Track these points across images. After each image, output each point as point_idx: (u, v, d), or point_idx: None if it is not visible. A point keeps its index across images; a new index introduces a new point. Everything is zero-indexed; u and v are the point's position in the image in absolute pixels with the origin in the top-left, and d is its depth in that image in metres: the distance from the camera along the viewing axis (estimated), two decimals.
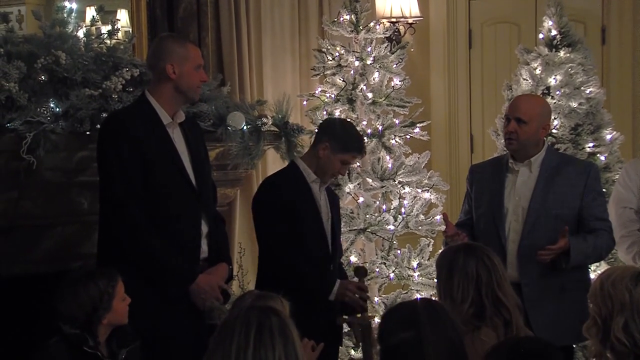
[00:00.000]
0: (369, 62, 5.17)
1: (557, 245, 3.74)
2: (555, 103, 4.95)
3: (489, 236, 3.91)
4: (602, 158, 4.96)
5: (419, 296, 5.11)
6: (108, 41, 4.29)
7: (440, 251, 3.78)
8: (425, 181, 5.21)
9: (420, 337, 2.31)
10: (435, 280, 3.34)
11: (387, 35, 5.60)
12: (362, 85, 5.17)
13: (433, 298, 5.10)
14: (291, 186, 3.90)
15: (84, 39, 4.20)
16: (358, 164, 5.10)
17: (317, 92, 5.31)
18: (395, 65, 5.23)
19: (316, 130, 4.18)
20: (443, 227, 5.00)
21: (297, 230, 3.83)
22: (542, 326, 3.69)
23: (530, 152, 3.94)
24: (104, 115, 3.94)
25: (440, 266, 3.16)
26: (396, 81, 5.25)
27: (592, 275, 4.82)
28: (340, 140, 3.91)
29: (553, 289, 3.84)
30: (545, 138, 4.06)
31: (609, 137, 5.04)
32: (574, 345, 4.71)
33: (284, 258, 3.82)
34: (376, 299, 5.13)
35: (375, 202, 5.12)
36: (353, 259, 5.05)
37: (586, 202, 3.89)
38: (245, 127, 4.40)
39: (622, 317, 2.85)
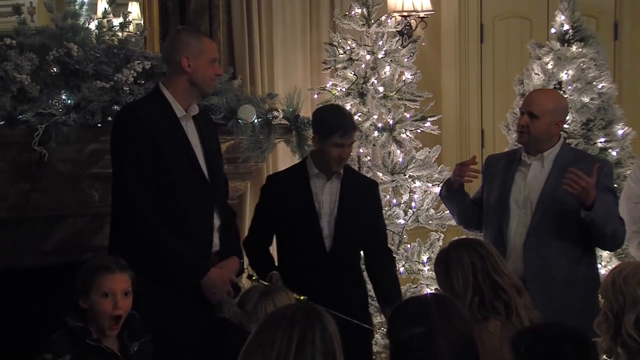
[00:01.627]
0: (380, 56, 5.16)
1: (581, 173, 3.67)
2: (567, 98, 4.94)
3: (495, 228, 3.93)
4: (614, 153, 4.94)
5: (428, 290, 5.11)
6: (120, 34, 4.31)
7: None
8: (436, 175, 5.20)
9: (431, 332, 2.30)
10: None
11: (398, 29, 5.57)
12: (373, 79, 5.15)
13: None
14: (288, 180, 3.97)
15: (96, 31, 4.22)
16: (369, 157, 5.10)
17: (328, 85, 5.30)
18: (406, 59, 5.22)
19: None
20: (454, 222, 5.02)
21: (290, 223, 3.88)
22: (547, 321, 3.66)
23: (542, 146, 3.93)
24: (115, 107, 3.95)
25: (437, 267, 3.19)
26: (407, 75, 5.23)
27: (603, 271, 4.82)
28: (320, 129, 3.90)
29: (558, 284, 3.82)
30: (560, 134, 4.04)
31: (620, 132, 5.02)
32: None
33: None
34: None
35: (385, 196, 5.11)
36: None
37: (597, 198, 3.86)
38: (256, 121, 4.40)
39: (633, 313, 2.85)
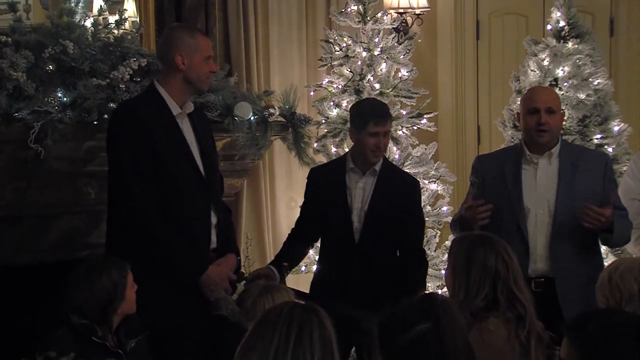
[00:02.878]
0: (376, 52, 5.16)
1: (599, 209, 3.68)
2: (563, 94, 4.94)
3: (511, 232, 3.80)
4: (610, 150, 4.95)
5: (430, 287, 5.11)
6: (115, 31, 4.29)
7: (453, 238, 3.73)
8: (432, 172, 5.21)
9: (438, 327, 2.24)
10: (446, 268, 3.29)
11: (394, 26, 5.58)
12: (369, 76, 5.16)
13: (439, 291, 5.11)
14: (326, 173, 4.09)
15: (92, 28, 4.21)
16: None
17: (324, 82, 5.30)
18: (402, 56, 5.22)
19: None
20: (450, 219, 5.01)
21: (323, 214, 3.95)
22: None
23: (553, 142, 3.92)
24: (111, 105, 3.94)
25: (456, 255, 3.10)
26: (403, 72, 5.24)
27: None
28: (356, 119, 3.95)
29: (583, 281, 3.79)
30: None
31: (616, 128, 5.02)
32: None
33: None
34: None
35: None
36: None
37: (604, 199, 3.83)
38: (252, 118, 4.40)
39: (630, 308, 2.85)
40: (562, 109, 4.09)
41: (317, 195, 4.04)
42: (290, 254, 4.09)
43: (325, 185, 4.02)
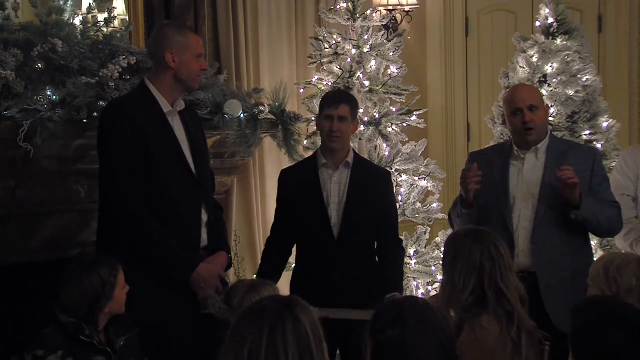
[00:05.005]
0: (365, 50, 5.16)
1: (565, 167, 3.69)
2: (552, 91, 4.96)
3: (496, 225, 3.80)
4: (599, 146, 4.96)
5: (415, 283, 5.13)
6: (105, 29, 4.28)
7: (450, 233, 3.76)
8: (422, 169, 5.21)
9: (404, 336, 2.25)
10: (440, 263, 3.30)
11: (384, 23, 5.58)
12: (359, 73, 5.16)
13: (429, 287, 5.12)
14: (298, 171, 4.10)
15: (81, 26, 4.20)
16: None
17: (314, 80, 5.30)
18: (392, 53, 5.23)
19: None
20: (440, 215, 5.01)
21: (299, 211, 3.96)
22: (560, 313, 3.61)
23: (541, 138, 3.94)
24: (101, 103, 3.93)
25: (446, 250, 3.12)
26: (393, 69, 5.24)
27: None
28: (320, 106, 4.06)
29: (565, 274, 3.82)
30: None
31: (605, 124, 5.04)
32: None
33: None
34: None
35: None
36: None
37: (594, 187, 3.87)
38: (242, 115, 4.40)
39: (628, 301, 2.87)
40: (547, 103, 4.09)
41: (290, 197, 4.04)
42: (273, 270, 4.06)
43: (298, 184, 4.02)
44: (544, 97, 4.95)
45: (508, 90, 4.21)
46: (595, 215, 3.81)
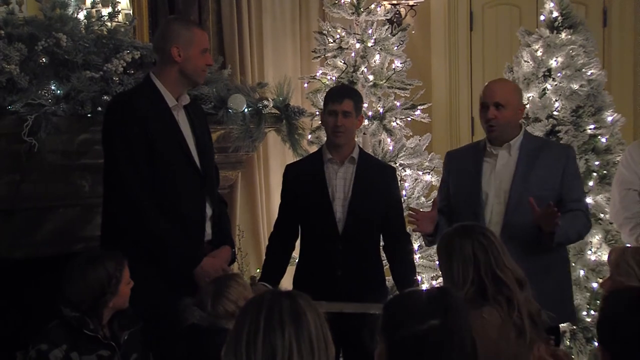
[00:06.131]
0: (369, 44, 5.16)
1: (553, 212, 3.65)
2: (556, 85, 4.95)
3: (471, 219, 3.70)
4: (603, 140, 4.96)
5: (419, 278, 5.12)
6: (109, 23, 4.28)
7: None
8: (427, 163, 5.21)
9: (448, 324, 2.19)
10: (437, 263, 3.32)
11: (388, 18, 5.58)
12: (363, 68, 5.16)
13: (432, 282, 5.12)
14: (303, 166, 4.11)
15: (85, 21, 4.20)
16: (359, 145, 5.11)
17: (317, 74, 5.30)
18: (396, 48, 5.22)
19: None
20: None
21: (304, 205, 3.97)
22: None
23: (509, 135, 3.89)
24: (105, 97, 3.94)
25: (439, 251, 3.14)
26: (397, 63, 5.24)
27: (593, 257, 4.85)
28: (324, 101, 4.06)
29: (538, 269, 3.80)
30: (521, 121, 4.04)
31: (610, 119, 5.03)
32: (574, 327, 4.74)
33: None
34: None
35: None
36: None
37: (565, 184, 3.85)
38: (246, 110, 4.40)
39: None
40: (525, 103, 4.04)
41: (295, 192, 4.04)
42: (277, 266, 4.09)
43: (303, 179, 4.02)
44: (549, 92, 4.95)
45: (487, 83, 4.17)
46: (566, 235, 3.81)
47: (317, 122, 5.16)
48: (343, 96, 3.98)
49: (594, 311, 4.75)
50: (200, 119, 3.71)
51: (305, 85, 5.44)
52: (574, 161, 4.02)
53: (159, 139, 3.44)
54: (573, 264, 4.89)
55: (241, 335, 2.03)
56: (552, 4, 5.07)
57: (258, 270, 4.39)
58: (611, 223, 4.72)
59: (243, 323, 2.05)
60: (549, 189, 3.81)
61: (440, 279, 5.02)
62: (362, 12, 5.22)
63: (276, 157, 5.70)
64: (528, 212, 3.73)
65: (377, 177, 4.03)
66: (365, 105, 5.12)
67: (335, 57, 5.21)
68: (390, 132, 5.14)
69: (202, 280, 3.44)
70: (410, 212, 3.90)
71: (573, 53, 4.99)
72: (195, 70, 3.55)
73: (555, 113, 4.94)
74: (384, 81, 5.17)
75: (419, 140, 5.21)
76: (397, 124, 5.21)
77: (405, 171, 5.16)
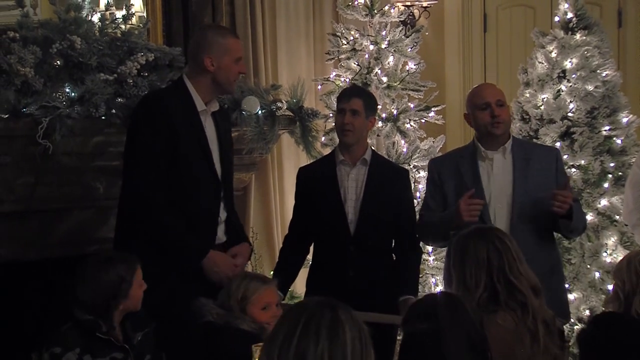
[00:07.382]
0: (383, 46, 5.16)
1: (566, 192, 3.68)
2: (571, 86, 4.93)
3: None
4: (619, 141, 4.94)
5: (433, 280, 5.11)
6: (122, 26, 4.29)
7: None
8: None
9: (437, 329, 2.28)
10: (447, 264, 3.30)
11: (401, 19, 5.58)
12: (376, 69, 5.16)
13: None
14: (316, 168, 4.12)
15: (99, 23, 4.21)
16: (373, 148, 5.11)
17: (331, 76, 5.30)
18: (409, 49, 5.22)
19: None
20: None
21: (317, 207, 3.97)
22: None
23: (506, 137, 3.89)
24: (119, 100, 3.96)
25: (453, 252, 3.11)
26: (411, 65, 5.23)
27: (608, 260, 4.83)
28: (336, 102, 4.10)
29: (544, 270, 3.79)
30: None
31: (625, 120, 5.01)
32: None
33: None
34: None
35: None
36: None
37: (560, 185, 3.83)
38: (259, 112, 4.40)
39: None
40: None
41: (308, 195, 4.05)
42: (290, 267, 4.10)
43: (315, 181, 4.02)
44: (563, 93, 4.94)
45: (473, 88, 4.14)
46: (580, 220, 3.83)
47: (331, 124, 5.16)
48: (351, 95, 3.99)
49: None
50: (226, 129, 3.75)
51: (319, 87, 5.45)
52: (562, 160, 4.06)
53: (183, 139, 3.48)
54: (588, 266, 4.87)
55: (277, 337, 2.03)
56: (566, 5, 5.05)
57: (272, 273, 4.39)
58: (626, 225, 4.70)
59: (281, 325, 2.06)
60: (546, 190, 3.79)
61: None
62: (376, 13, 5.22)
63: (290, 159, 5.70)
64: (532, 214, 3.72)
65: (390, 179, 4.02)
66: (379, 107, 5.11)
67: (348, 59, 5.22)
68: (404, 133, 5.13)
69: (211, 271, 3.45)
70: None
71: (588, 54, 4.97)
72: (227, 79, 3.58)
73: (570, 114, 4.92)
74: (397, 83, 5.16)
75: (433, 142, 5.21)
76: (411, 125, 5.20)
77: (419, 173, 5.15)
